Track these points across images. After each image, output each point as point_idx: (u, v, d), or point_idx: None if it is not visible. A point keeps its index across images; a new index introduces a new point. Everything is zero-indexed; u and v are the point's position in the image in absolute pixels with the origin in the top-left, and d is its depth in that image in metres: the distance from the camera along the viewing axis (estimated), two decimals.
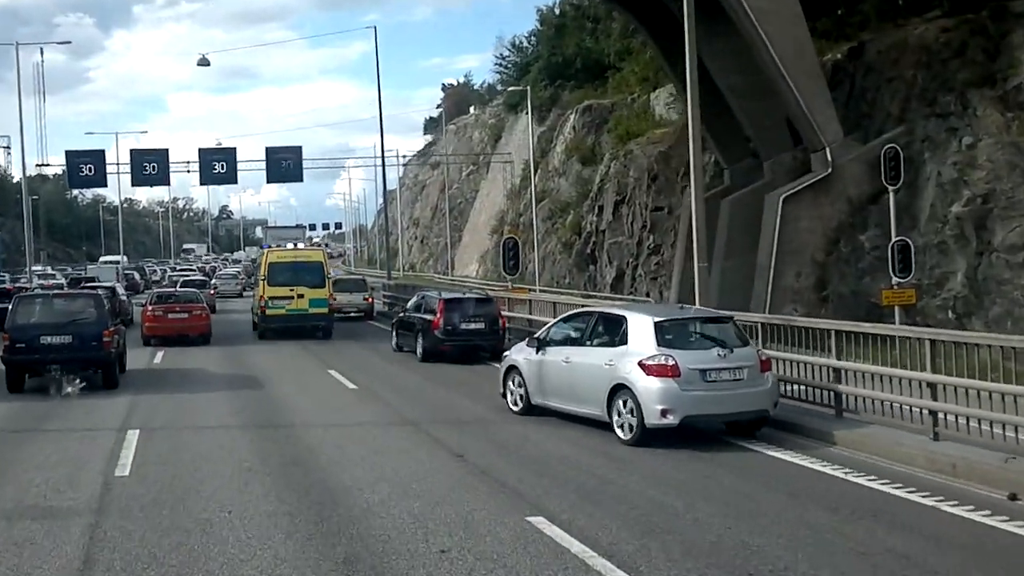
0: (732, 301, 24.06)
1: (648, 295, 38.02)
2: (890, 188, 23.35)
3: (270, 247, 50.24)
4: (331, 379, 19.20)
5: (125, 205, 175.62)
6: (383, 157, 44.35)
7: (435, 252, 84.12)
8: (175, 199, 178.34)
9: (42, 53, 47.11)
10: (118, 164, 50.39)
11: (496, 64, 75.76)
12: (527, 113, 65.68)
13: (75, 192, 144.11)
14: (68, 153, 48.57)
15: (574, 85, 60.74)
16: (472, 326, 21.46)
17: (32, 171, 64.16)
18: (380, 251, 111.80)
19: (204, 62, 43.87)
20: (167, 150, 48.80)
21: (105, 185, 50.74)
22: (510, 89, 60.68)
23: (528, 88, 47.61)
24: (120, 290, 35.40)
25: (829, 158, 26.93)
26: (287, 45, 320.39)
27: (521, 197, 59.92)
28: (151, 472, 10.79)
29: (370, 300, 36.36)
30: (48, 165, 50.39)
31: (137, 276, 60.90)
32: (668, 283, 36.63)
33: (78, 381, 16.84)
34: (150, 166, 48.49)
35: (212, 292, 41.73)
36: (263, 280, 28.07)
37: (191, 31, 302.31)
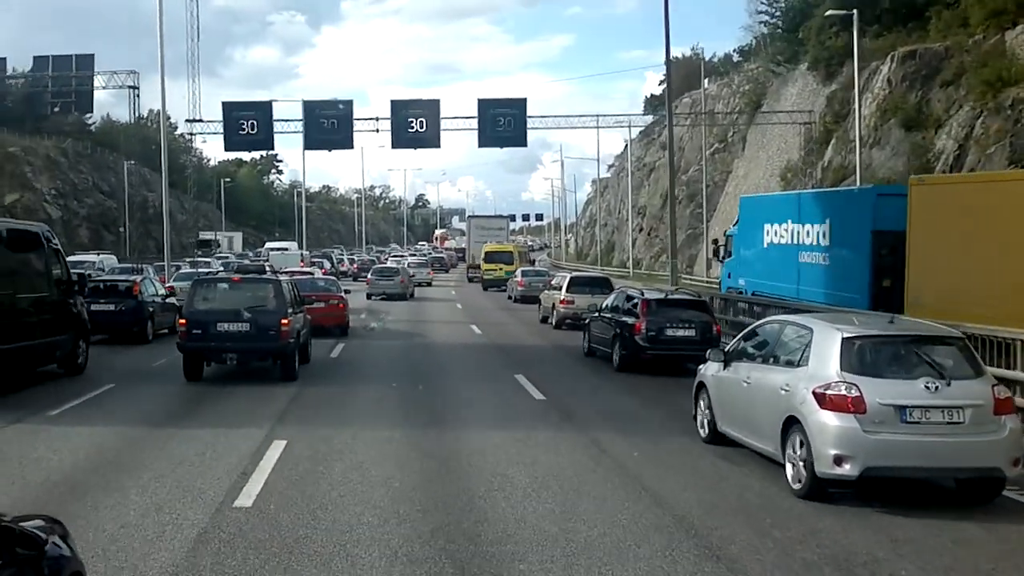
0: None
1: None
2: None
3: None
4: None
5: (323, 192, 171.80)
6: (668, 85, 31.28)
7: (667, 247, 69.75)
8: (371, 187, 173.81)
9: None
10: (304, 123, 39.10)
11: (758, 12, 60.47)
12: (808, 67, 51.13)
13: (272, 177, 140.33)
14: (225, 105, 38.05)
15: (877, 30, 45.87)
16: (680, 332, 18.74)
17: (183, 128, 57.53)
18: (592, 245, 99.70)
19: None
20: (351, 101, 37.88)
21: (270, 147, 40.86)
22: (816, 25, 45.56)
23: (854, 12, 32.97)
24: (318, 275, 34.06)
25: None
26: (490, 40, 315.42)
27: (807, 174, 45.32)
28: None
29: None
30: (200, 120, 39.74)
31: (328, 264, 56.31)
32: None
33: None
34: (328, 122, 37.59)
35: (403, 280, 42.56)
36: (483, 261, 53.22)
37: (396, 27, 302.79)
